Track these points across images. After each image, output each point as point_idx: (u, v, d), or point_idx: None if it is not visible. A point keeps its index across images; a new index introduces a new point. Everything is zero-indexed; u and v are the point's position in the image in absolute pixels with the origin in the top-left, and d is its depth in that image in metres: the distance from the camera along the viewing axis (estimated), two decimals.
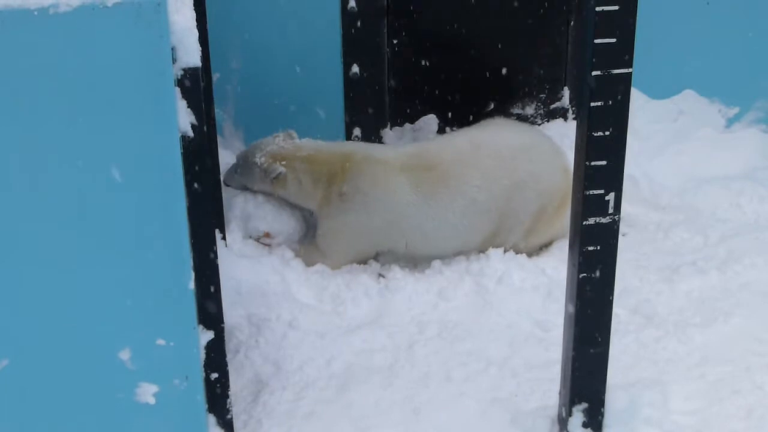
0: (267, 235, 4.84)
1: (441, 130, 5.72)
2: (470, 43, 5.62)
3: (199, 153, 2.97)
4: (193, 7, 2.93)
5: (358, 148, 4.97)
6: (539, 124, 5.81)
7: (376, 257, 4.93)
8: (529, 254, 4.86)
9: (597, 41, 2.94)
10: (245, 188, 4.95)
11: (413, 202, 4.75)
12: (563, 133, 5.55)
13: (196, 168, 2.98)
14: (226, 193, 4.94)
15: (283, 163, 4.81)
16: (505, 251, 4.80)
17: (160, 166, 2.87)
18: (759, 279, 4.60)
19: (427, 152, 4.92)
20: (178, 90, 2.86)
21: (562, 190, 4.82)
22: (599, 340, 3.38)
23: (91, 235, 2.91)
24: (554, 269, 4.69)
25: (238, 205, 4.97)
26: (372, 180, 4.77)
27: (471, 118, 5.67)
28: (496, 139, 4.97)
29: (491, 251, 4.77)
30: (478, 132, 5.06)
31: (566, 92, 5.83)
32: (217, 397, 3.34)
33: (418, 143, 5.30)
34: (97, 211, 2.88)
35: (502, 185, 4.78)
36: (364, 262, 4.90)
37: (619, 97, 3.02)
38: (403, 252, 4.86)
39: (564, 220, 4.76)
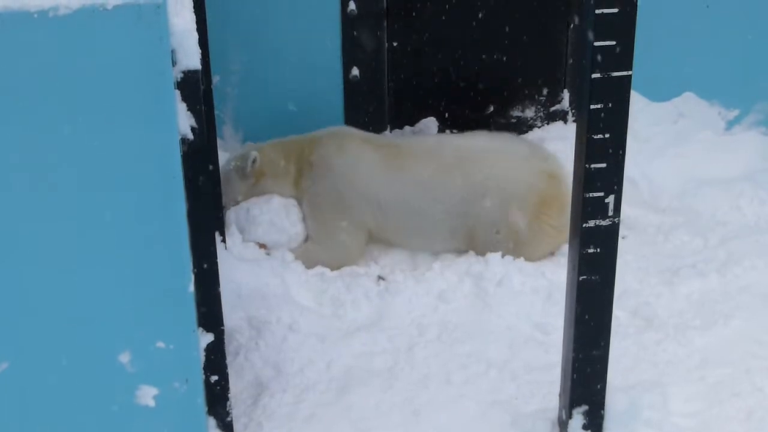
0: (262, 246, 4.84)
1: (440, 133, 5.71)
2: (470, 45, 5.62)
3: (198, 155, 2.97)
4: (192, 10, 2.94)
5: (328, 130, 5.14)
6: (539, 127, 5.81)
7: (375, 258, 4.94)
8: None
9: (597, 43, 2.94)
10: (237, 202, 4.98)
11: (377, 173, 4.86)
12: (563, 136, 5.55)
13: (196, 170, 2.98)
14: (226, 197, 4.94)
15: (254, 155, 4.94)
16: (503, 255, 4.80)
17: (159, 168, 2.87)
18: (759, 281, 4.60)
19: (391, 138, 5.23)
20: (177, 92, 2.86)
21: (541, 194, 4.81)
22: (599, 342, 3.38)
23: (90, 238, 2.90)
24: (554, 272, 4.69)
25: (238, 209, 4.97)
26: (337, 148, 4.93)
27: (471, 120, 5.67)
28: (462, 141, 5.04)
29: (490, 254, 4.77)
30: (451, 136, 5.26)
31: (566, 95, 5.82)
32: (217, 400, 3.34)
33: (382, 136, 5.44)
34: (97, 213, 2.88)
35: (456, 184, 4.82)
36: (360, 257, 4.90)
37: (619, 99, 3.02)
38: (380, 236, 4.92)
39: (560, 226, 4.75)
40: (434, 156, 4.89)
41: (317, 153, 4.94)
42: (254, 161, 4.91)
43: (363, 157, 4.89)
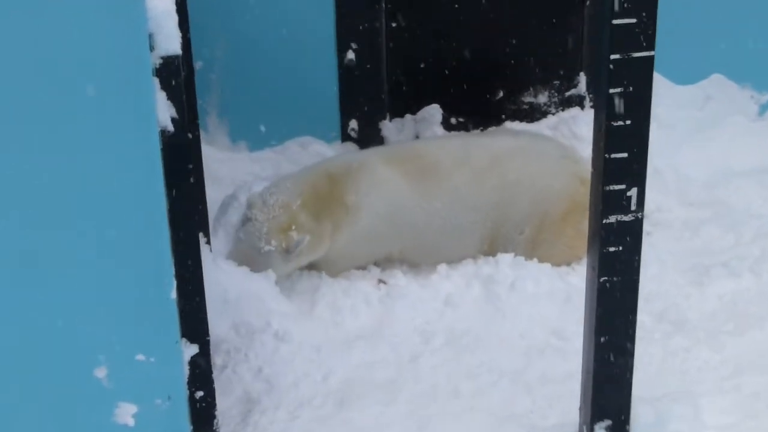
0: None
1: (445, 122, 5.72)
2: (477, 25, 5.62)
3: (180, 149, 2.96)
4: None
5: (333, 160, 5.08)
6: (553, 113, 5.81)
7: (376, 262, 4.94)
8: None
9: (616, 21, 2.94)
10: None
11: (411, 197, 4.83)
12: (580, 123, 5.55)
13: (178, 166, 2.97)
14: (211, 193, 4.93)
15: (293, 228, 4.68)
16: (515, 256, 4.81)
17: (137, 164, 2.86)
18: None
19: (411, 148, 5.10)
20: (156, 80, 2.85)
21: (572, 198, 4.83)
22: (623, 349, 3.38)
23: (60, 241, 2.90)
24: (572, 273, 4.69)
25: (224, 208, 4.97)
26: (369, 183, 4.83)
27: (478, 107, 5.67)
28: (489, 140, 5.09)
29: (501, 255, 4.78)
30: (474, 136, 5.26)
31: (583, 78, 5.83)
32: (203, 418, 3.33)
33: (398, 143, 5.40)
34: (68, 213, 2.87)
35: (491, 184, 4.85)
36: (362, 267, 4.91)
37: (641, 82, 3.02)
38: (396, 257, 4.91)
39: (581, 236, 4.77)
40: (465, 161, 4.91)
41: (350, 192, 4.82)
42: (302, 245, 4.66)
43: (395, 185, 4.85)
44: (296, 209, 4.73)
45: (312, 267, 4.85)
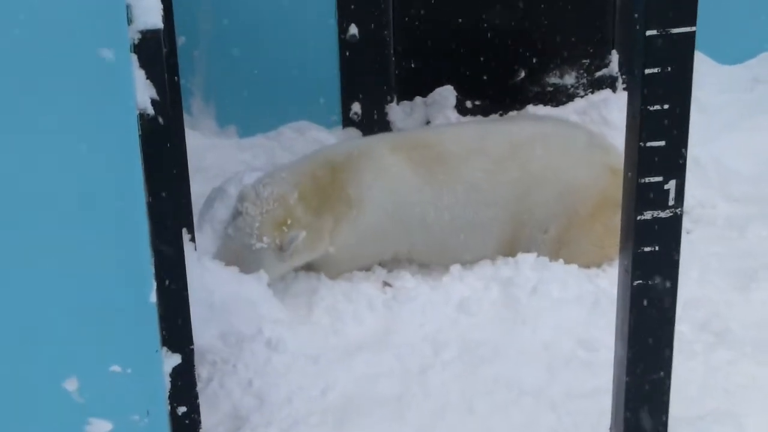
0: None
1: (460, 105, 5.72)
2: None
3: (161, 135, 2.96)
4: None
5: (334, 148, 5.08)
6: (581, 96, 5.82)
7: (381, 262, 4.94)
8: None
9: None
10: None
11: (413, 184, 4.84)
12: (612, 107, 5.55)
13: (158, 153, 2.97)
14: (196, 185, 4.93)
15: (289, 223, 4.71)
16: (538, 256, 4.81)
17: (112, 151, 2.86)
18: None
19: (419, 135, 5.10)
20: (134, 57, 2.85)
21: (602, 192, 4.82)
22: (659, 363, 3.37)
23: (23, 237, 2.89)
24: (602, 276, 4.69)
25: (210, 201, 4.97)
26: (372, 172, 4.85)
27: (497, 89, 5.66)
28: (509, 126, 5.09)
29: (522, 256, 4.77)
30: (491, 121, 5.25)
31: (615, 57, 5.83)
32: None
33: (406, 129, 5.40)
34: (31, 207, 2.87)
35: (511, 176, 4.85)
36: (366, 268, 4.92)
37: (681, 62, 3.01)
38: (406, 256, 4.90)
39: (612, 234, 4.77)
40: (481, 149, 4.90)
41: (351, 184, 4.84)
42: (298, 242, 4.67)
43: (402, 175, 4.87)
44: (293, 203, 4.74)
45: (309, 268, 4.86)
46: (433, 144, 4.92)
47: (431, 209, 4.82)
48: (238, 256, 4.68)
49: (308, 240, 4.69)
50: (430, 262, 4.94)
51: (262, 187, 4.73)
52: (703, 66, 5.49)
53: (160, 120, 2.93)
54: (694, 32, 2.99)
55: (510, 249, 4.87)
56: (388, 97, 5.67)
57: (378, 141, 5.02)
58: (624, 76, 5.80)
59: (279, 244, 4.66)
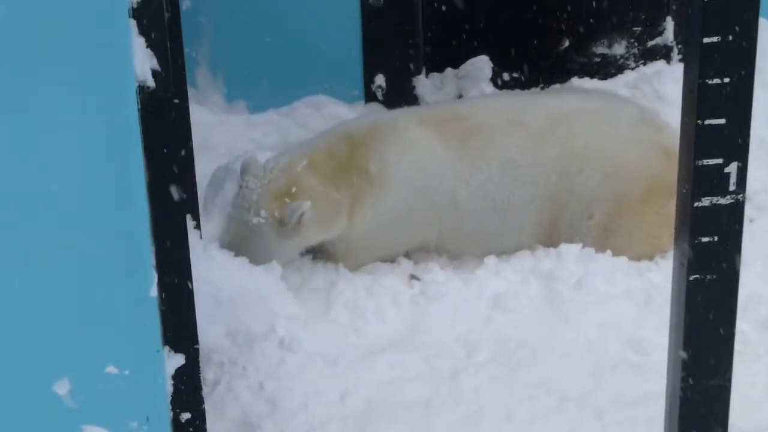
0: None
1: (496, 78, 5.72)
2: None
3: (162, 110, 2.96)
4: None
5: (353, 122, 5.10)
6: (632, 68, 5.81)
7: (407, 253, 4.95)
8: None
9: None
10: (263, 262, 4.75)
11: (444, 159, 4.87)
12: (666, 80, 5.54)
13: (160, 131, 2.98)
14: (202, 166, 4.94)
15: (293, 191, 4.68)
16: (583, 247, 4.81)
17: (108, 128, 2.87)
18: None
19: (450, 108, 5.14)
20: (133, 23, 2.85)
21: (654, 174, 4.82)
22: (718, 367, 3.36)
23: (12, 223, 2.90)
24: (654, 269, 4.68)
25: (217, 183, 4.98)
26: (397, 147, 4.87)
27: (537, 59, 5.66)
28: (549, 99, 5.12)
29: (565, 247, 4.77)
30: (530, 94, 5.30)
31: (669, 24, 5.81)
32: None
33: (436, 103, 5.40)
34: (21, 189, 2.88)
35: (551, 152, 4.86)
36: (390, 259, 4.92)
37: (743, 29, 3.00)
38: (434, 246, 4.91)
39: (665, 222, 4.76)
40: (519, 123, 4.91)
41: (373, 158, 4.86)
42: (303, 214, 4.63)
43: (430, 151, 4.89)
44: (301, 171, 4.74)
45: (327, 257, 4.86)
46: (464, 116, 4.94)
47: (463, 187, 4.84)
48: (238, 236, 4.70)
49: (321, 213, 4.69)
50: (460, 252, 4.94)
51: (269, 161, 4.75)
52: None
53: (162, 93, 2.94)
54: None
55: (550, 236, 4.87)
56: (416, 69, 5.68)
57: (404, 113, 5.04)
58: (680, 46, 5.78)
59: (279, 217, 4.64)
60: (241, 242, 4.67)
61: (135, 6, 2.85)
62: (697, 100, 3.07)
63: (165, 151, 3.01)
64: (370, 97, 5.71)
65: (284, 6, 5.46)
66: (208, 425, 3.41)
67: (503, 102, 5.11)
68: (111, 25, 2.80)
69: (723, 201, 3.17)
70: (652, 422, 3.76)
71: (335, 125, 5.12)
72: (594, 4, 5.72)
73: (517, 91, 5.73)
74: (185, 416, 3.29)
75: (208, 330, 4.21)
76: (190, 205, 4.50)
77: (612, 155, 4.85)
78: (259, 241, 4.67)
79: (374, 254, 4.88)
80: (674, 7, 5.77)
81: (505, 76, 5.74)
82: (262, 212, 4.64)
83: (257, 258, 4.67)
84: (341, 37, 5.53)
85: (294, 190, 4.65)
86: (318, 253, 4.89)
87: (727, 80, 3.04)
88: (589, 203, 4.84)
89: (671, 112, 5.09)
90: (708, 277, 3.24)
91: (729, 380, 3.40)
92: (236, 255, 4.64)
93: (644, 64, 5.83)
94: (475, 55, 5.72)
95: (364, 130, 4.88)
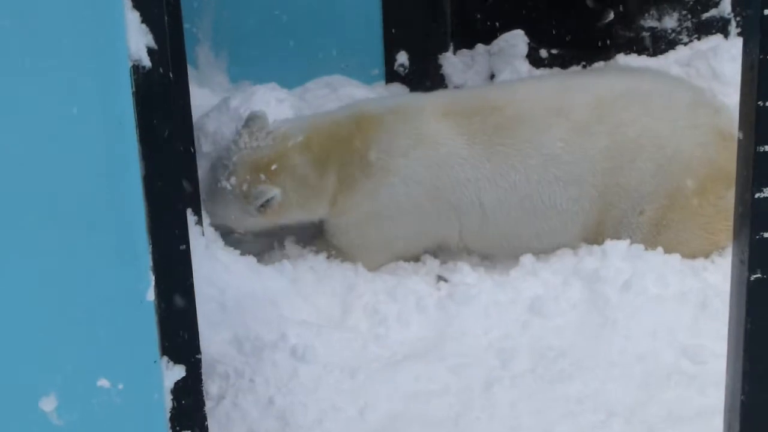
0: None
1: (532, 55, 5.71)
2: None
3: (159, 92, 2.96)
4: None
5: (372, 102, 5.10)
6: (685, 43, 5.80)
7: (432, 250, 4.95)
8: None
9: None
10: (231, 232, 4.96)
11: (466, 158, 4.83)
12: (723, 57, 5.53)
13: (156, 115, 2.97)
14: (202, 155, 4.95)
15: (272, 168, 4.81)
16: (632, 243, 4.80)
17: (99, 113, 2.87)
18: None
19: (483, 95, 5.09)
20: None
21: (712, 162, 4.81)
22: None
23: None
24: (711, 268, 4.67)
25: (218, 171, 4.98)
26: (410, 136, 4.87)
27: (579, 34, 5.65)
28: (594, 81, 5.07)
29: (610, 244, 4.75)
30: (571, 75, 5.25)
31: None
32: None
33: (469, 88, 5.39)
34: (3, 185, 2.88)
35: (598, 145, 4.83)
36: (414, 257, 4.92)
37: None
38: (459, 246, 4.91)
39: (723, 216, 4.76)
40: (561, 113, 4.89)
41: (377, 146, 4.89)
42: (270, 200, 4.80)
43: (451, 144, 4.88)
44: (291, 146, 4.84)
45: (343, 256, 4.87)
46: (499, 107, 4.91)
47: (491, 189, 4.81)
48: (210, 188, 4.84)
49: (295, 197, 4.83)
50: (491, 253, 4.94)
51: (275, 120, 4.87)
52: None
53: (159, 73, 2.94)
54: None
55: (595, 235, 4.85)
56: (443, 45, 5.67)
57: (431, 101, 5.01)
58: (738, 18, 5.77)
59: (244, 191, 4.77)
60: (212, 195, 4.85)
61: None
62: (758, 78, 3.06)
63: (162, 137, 3.01)
64: (391, 76, 5.71)
65: None
66: None
67: (543, 87, 5.07)
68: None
69: None
70: None
71: (355, 102, 5.14)
72: None
73: (558, 71, 5.71)
74: None
75: (212, 338, 4.21)
76: (191, 198, 4.51)
77: (666, 144, 4.82)
78: (223, 204, 4.86)
79: (387, 252, 4.88)
80: None
81: (543, 52, 5.74)
82: (233, 179, 4.80)
83: (220, 218, 4.88)
84: (359, 9, 5.54)
85: (274, 167, 4.79)
86: (328, 249, 4.91)
87: None
88: (641, 198, 4.82)
89: (729, 92, 5.08)
90: None
91: None
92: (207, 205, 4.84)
93: (698, 38, 5.82)
94: (508, 29, 5.72)
95: (378, 114, 4.91)
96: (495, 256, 4.95)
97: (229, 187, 4.78)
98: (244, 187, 4.75)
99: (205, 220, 4.74)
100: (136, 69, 2.90)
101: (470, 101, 5.00)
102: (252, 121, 4.81)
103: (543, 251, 4.89)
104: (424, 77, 5.66)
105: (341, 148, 4.85)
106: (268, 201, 4.76)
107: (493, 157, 4.82)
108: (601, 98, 4.90)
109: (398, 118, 4.88)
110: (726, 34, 5.82)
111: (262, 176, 4.73)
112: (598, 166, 4.82)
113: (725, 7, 5.80)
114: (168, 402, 3.22)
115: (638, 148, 4.81)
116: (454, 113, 4.89)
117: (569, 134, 4.82)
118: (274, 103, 5.13)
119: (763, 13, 3.00)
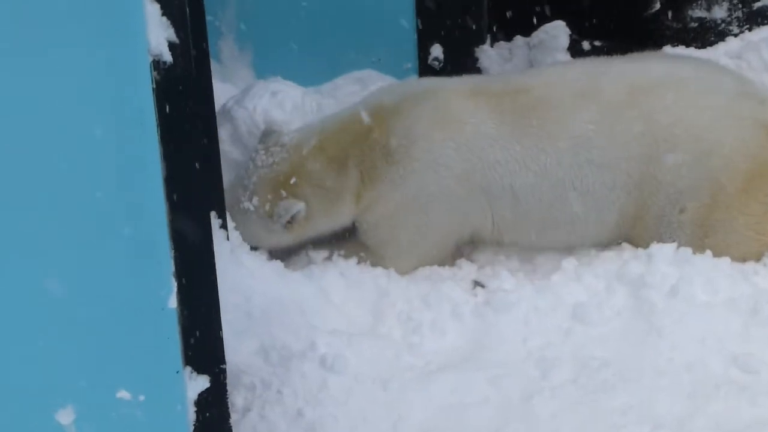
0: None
1: (574, 46, 5.71)
2: None
3: (181, 88, 2.97)
4: None
5: (392, 89, 5.12)
6: (735, 35, 5.79)
7: (469, 254, 4.95)
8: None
9: None
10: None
11: (497, 139, 4.86)
12: None
13: (178, 112, 2.98)
14: (230, 151, 4.96)
15: (292, 182, 4.85)
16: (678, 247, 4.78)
17: (118, 110, 2.87)
18: None
19: (513, 78, 5.13)
20: None
21: (754, 155, 4.80)
22: None
23: (7, 221, 2.92)
24: (762, 272, 4.66)
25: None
26: (434, 118, 4.89)
27: (623, 25, 5.64)
28: (630, 66, 5.04)
29: (656, 247, 4.74)
30: (608, 60, 5.19)
31: None
32: None
33: (498, 74, 5.41)
34: (16, 185, 2.89)
35: (633, 132, 4.82)
36: (448, 262, 4.92)
37: None
38: (493, 237, 4.90)
39: None
40: (592, 94, 4.87)
41: (397, 132, 4.89)
42: (295, 215, 4.84)
43: (479, 126, 4.88)
44: (306, 153, 4.88)
45: (373, 259, 4.87)
46: (527, 88, 4.92)
47: (522, 173, 4.82)
48: (233, 207, 4.84)
49: (319, 205, 4.85)
50: (526, 245, 4.92)
51: (288, 132, 4.91)
52: None
53: (181, 68, 2.95)
54: None
55: (635, 231, 4.84)
56: (479, 38, 5.67)
57: (453, 82, 5.04)
58: None
59: (268, 211, 4.81)
60: (235, 214, 4.86)
61: None
62: None
63: (184, 135, 3.01)
64: (425, 70, 5.71)
65: None
66: None
67: (573, 70, 5.07)
68: None
69: None
70: None
71: (371, 92, 5.16)
72: None
73: (592, 58, 5.70)
74: None
75: (237, 347, 4.22)
76: (215, 201, 4.51)
77: (705, 134, 4.79)
78: (247, 225, 4.87)
79: (417, 248, 4.88)
80: None
81: (585, 45, 5.73)
82: (255, 199, 4.85)
83: (247, 238, 4.88)
84: (392, 1, 5.54)
85: (293, 181, 4.82)
86: (358, 253, 4.92)
87: None
88: (680, 193, 4.79)
89: None
90: None
91: None
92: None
93: (749, 29, 5.80)
94: (549, 20, 5.72)
95: (396, 100, 4.92)
96: (535, 259, 4.93)
97: (252, 208, 4.83)
98: (267, 206, 4.80)
99: (230, 223, 4.74)
100: (157, 64, 2.91)
101: (497, 83, 5.03)
102: (267, 136, 4.88)
103: (579, 244, 4.88)
104: (460, 71, 5.64)
105: (359, 143, 4.88)
106: (293, 216, 4.79)
107: (523, 139, 4.83)
108: (635, 81, 4.88)
109: (417, 100, 4.90)
110: None
111: (284, 192, 4.77)
112: (633, 153, 4.80)
113: None
114: (191, 414, 3.23)
115: (673, 137, 4.77)
116: (480, 93, 4.91)
117: (600, 116, 4.81)
118: (290, 107, 5.17)
119: None
